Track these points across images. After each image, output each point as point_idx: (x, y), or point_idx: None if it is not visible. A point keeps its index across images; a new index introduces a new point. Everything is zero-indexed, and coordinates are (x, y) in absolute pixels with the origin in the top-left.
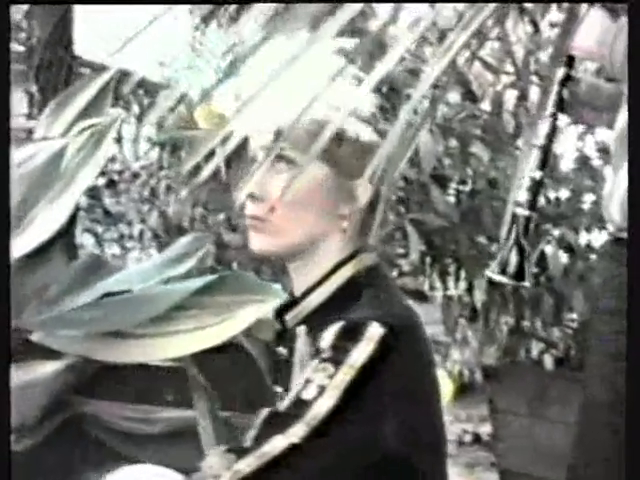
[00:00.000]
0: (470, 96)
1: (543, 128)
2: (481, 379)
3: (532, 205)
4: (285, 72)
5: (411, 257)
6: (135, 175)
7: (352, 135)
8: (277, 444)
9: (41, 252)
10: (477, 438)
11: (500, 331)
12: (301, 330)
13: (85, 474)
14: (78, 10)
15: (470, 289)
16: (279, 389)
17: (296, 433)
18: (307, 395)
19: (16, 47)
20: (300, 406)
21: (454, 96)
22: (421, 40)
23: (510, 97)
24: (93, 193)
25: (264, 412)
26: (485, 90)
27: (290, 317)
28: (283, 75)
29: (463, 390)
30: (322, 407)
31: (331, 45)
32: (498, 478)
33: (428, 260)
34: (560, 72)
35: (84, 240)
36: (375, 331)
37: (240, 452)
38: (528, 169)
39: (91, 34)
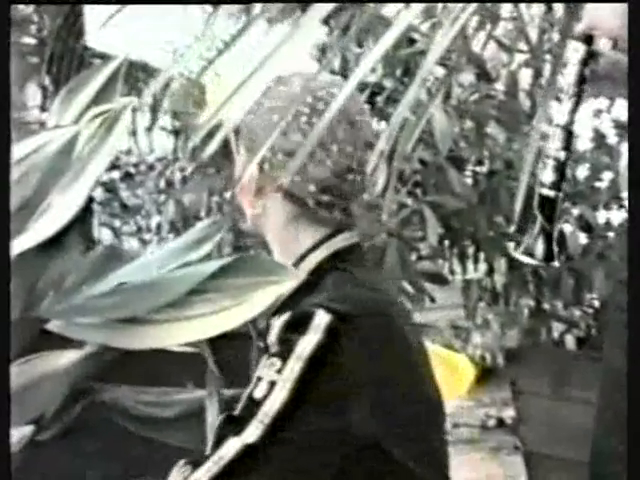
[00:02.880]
0: (485, 76)
1: (565, 108)
2: (503, 362)
3: (558, 186)
4: (266, 59)
5: (429, 240)
6: (151, 167)
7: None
8: (232, 447)
9: (57, 242)
10: (501, 422)
11: (521, 313)
12: (275, 322)
13: (108, 462)
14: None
15: (490, 271)
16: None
17: (252, 433)
18: (258, 394)
19: (28, 40)
20: (252, 405)
21: (468, 77)
22: (434, 23)
23: (525, 76)
24: (109, 186)
25: (219, 418)
26: (499, 70)
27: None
28: (263, 62)
29: (486, 374)
30: (274, 403)
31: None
32: (522, 461)
33: (447, 243)
34: (580, 51)
35: (102, 234)
36: (321, 319)
37: (197, 462)
38: (552, 149)
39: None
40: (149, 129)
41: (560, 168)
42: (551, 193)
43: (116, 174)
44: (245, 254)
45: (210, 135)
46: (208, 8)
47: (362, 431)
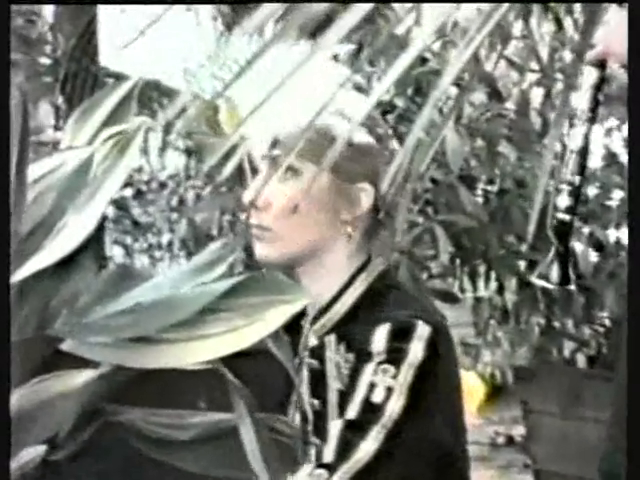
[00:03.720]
0: (496, 95)
1: (579, 132)
2: (513, 380)
3: (573, 210)
4: (284, 80)
5: (441, 259)
6: (162, 185)
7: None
8: (364, 452)
9: (70, 260)
10: (510, 440)
11: (531, 331)
12: (330, 339)
13: None
14: (102, 21)
15: (500, 290)
16: (315, 401)
17: (376, 437)
18: (377, 398)
19: (42, 60)
20: (372, 410)
21: (480, 96)
22: (446, 42)
23: (536, 95)
24: (121, 204)
25: (337, 424)
26: (511, 89)
27: (317, 327)
28: (282, 83)
29: (495, 392)
30: (395, 408)
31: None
32: (533, 479)
33: (457, 261)
34: (593, 76)
35: (114, 252)
36: (423, 330)
37: (329, 467)
38: (567, 173)
39: (116, 44)
40: (162, 149)
41: (575, 192)
42: (566, 217)
43: (128, 192)
44: (257, 273)
45: (226, 157)
46: (220, 26)
47: (441, 438)
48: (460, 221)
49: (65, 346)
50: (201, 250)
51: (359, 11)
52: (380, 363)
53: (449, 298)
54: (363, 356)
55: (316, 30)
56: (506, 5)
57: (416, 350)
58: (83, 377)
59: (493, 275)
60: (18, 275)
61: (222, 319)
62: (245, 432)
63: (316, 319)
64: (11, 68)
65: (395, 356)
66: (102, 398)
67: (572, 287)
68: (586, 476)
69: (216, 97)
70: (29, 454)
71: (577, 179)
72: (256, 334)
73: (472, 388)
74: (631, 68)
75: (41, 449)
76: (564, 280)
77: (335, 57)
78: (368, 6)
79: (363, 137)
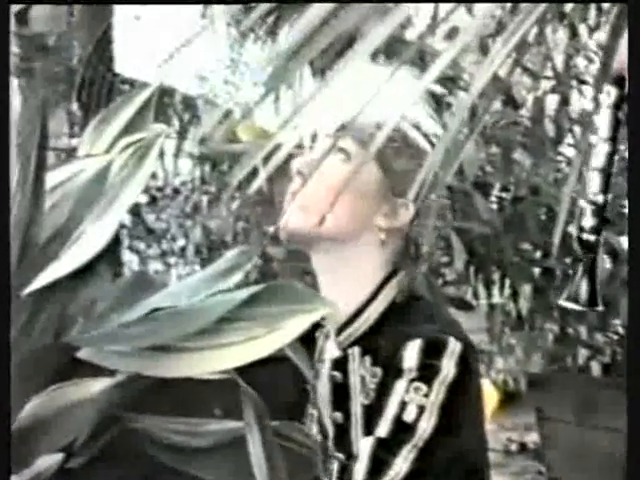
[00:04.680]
0: (511, 103)
1: (601, 151)
2: (526, 387)
3: (598, 230)
4: (331, 81)
5: (456, 266)
6: (176, 191)
7: (413, 142)
8: (396, 471)
9: (87, 269)
10: (523, 447)
11: (545, 338)
12: (355, 352)
13: None
14: (117, 28)
15: (514, 297)
16: (338, 415)
17: (407, 457)
18: (408, 417)
19: (57, 68)
20: (404, 429)
21: (495, 103)
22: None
23: (551, 102)
24: (135, 210)
25: (368, 442)
26: (525, 96)
27: (342, 339)
28: (330, 83)
29: (508, 399)
30: (427, 427)
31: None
32: None
33: (472, 268)
34: (612, 95)
35: (127, 258)
36: (454, 346)
37: None
38: (590, 193)
39: (131, 52)
40: (176, 155)
41: (599, 212)
42: (591, 237)
43: (142, 198)
44: (277, 282)
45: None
46: (234, 32)
47: (470, 454)
48: (475, 228)
49: (82, 354)
50: (215, 256)
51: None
52: (412, 381)
53: (463, 305)
54: (392, 372)
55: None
56: (530, 21)
57: (448, 367)
58: (100, 385)
59: (507, 282)
60: (35, 284)
61: (240, 328)
62: (252, 440)
63: (340, 330)
64: (28, 76)
65: (427, 373)
66: (119, 406)
67: (600, 308)
68: None
69: (245, 114)
70: (46, 462)
71: (601, 198)
72: (275, 343)
73: (485, 395)
74: (631, 68)
75: (58, 457)
76: (592, 301)
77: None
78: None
79: (423, 142)
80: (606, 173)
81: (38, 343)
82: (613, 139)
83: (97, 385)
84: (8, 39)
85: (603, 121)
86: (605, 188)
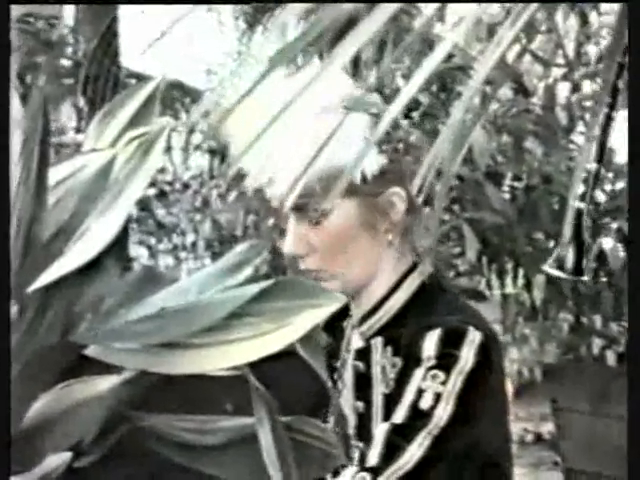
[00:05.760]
0: (522, 91)
1: (598, 120)
2: (540, 377)
3: (588, 197)
4: (292, 107)
5: (468, 256)
6: (186, 185)
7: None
8: (409, 457)
9: (94, 265)
10: (539, 437)
11: (560, 328)
12: (377, 342)
13: None
14: (123, 22)
15: (528, 287)
16: (360, 404)
17: (422, 444)
18: (424, 404)
19: (63, 62)
20: (420, 416)
21: (506, 91)
22: (469, 36)
23: (562, 90)
24: (144, 205)
25: (383, 427)
26: (536, 84)
27: (364, 329)
28: (289, 113)
29: (523, 389)
30: (443, 415)
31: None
32: (562, 477)
33: (485, 259)
34: (614, 64)
35: (138, 252)
36: (474, 336)
37: (373, 471)
38: (584, 162)
39: (137, 45)
40: (184, 149)
41: (591, 180)
42: (581, 205)
43: (151, 192)
44: (286, 277)
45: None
46: (242, 25)
47: (487, 445)
48: (487, 218)
49: (89, 352)
50: (226, 250)
51: (380, 16)
52: (429, 369)
53: (476, 296)
54: (412, 361)
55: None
56: (534, 5)
57: (467, 357)
58: (108, 383)
59: (521, 272)
60: (41, 281)
61: (249, 324)
62: (263, 436)
63: (363, 321)
64: (32, 70)
65: (445, 362)
66: (127, 404)
67: (585, 278)
68: (615, 474)
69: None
70: (54, 461)
71: (594, 167)
72: (284, 339)
73: None
74: (631, 68)
75: (66, 456)
76: (577, 270)
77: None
78: (390, 9)
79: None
80: (601, 141)
81: (45, 341)
82: (610, 107)
83: (105, 383)
84: (8, 39)
85: (602, 90)
86: (599, 157)
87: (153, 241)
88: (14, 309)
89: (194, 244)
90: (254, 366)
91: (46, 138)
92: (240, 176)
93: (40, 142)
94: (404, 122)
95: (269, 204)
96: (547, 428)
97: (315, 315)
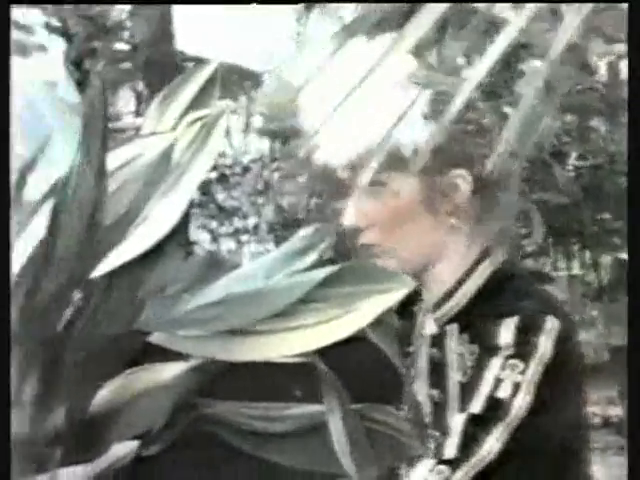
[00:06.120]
0: (585, 68)
1: None
2: (608, 360)
3: None
4: (362, 80)
5: (534, 238)
6: (246, 168)
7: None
8: (488, 449)
9: (157, 250)
10: (607, 421)
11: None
12: (453, 329)
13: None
14: (178, 6)
15: (595, 268)
16: (435, 392)
17: (500, 435)
18: (503, 394)
19: (120, 46)
20: (497, 406)
21: (569, 69)
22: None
23: (625, 66)
24: (205, 189)
25: (460, 418)
26: (599, 61)
27: (439, 315)
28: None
29: (590, 372)
30: (522, 405)
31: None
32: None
33: (551, 240)
34: None
35: (199, 237)
36: (552, 324)
37: (451, 463)
38: None
39: (192, 29)
40: (244, 131)
41: None
42: None
43: (212, 176)
44: (352, 262)
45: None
46: (299, 8)
47: (565, 435)
48: (553, 199)
49: (154, 339)
50: (289, 234)
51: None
52: (508, 358)
53: (543, 277)
54: (489, 349)
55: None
56: None
57: (545, 345)
58: (173, 370)
59: (587, 253)
60: (103, 268)
61: (316, 309)
62: (334, 424)
63: (436, 307)
64: (89, 56)
65: (524, 351)
66: (193, 391)
67: None
68: None
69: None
70: (120, 450)
71: None
72: (351, 325)
73: None
74: (631, 68)
75: (133, 444)
76: None
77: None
78: None
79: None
80: None
81: (108, 329)
82: None
83: (170, 370)
84: (8, 39)
85: None
86: None
87: (214, 225)
88: (77, 296)
89: (256, 227)
90: (323, 352)
91: (105, 123)
92: (308, 155)
93: (99, 127)
94: (474, 103)
95: (335, 184)
96: (615, 412)
97: (384, 300)
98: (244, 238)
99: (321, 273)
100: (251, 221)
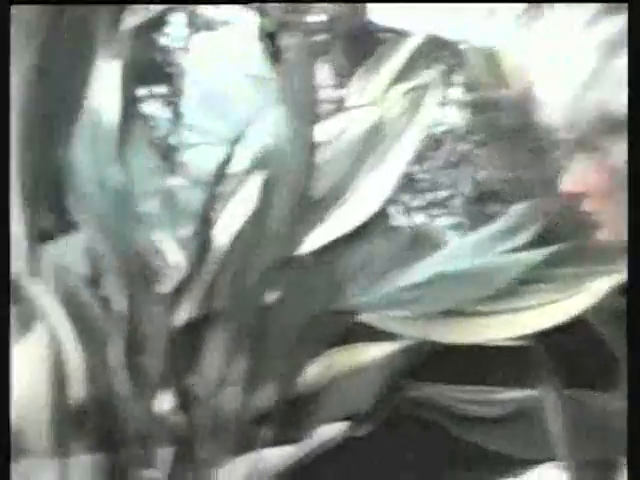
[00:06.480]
0: None
1: None
2: None
3: None
4: None
5: None
6: (437, 141)
7: None
8: None
9: (361, 227)
10: None
11: None
12: None
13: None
14: None
15: None
16: None
17: None
18: None
19: (315, 18)
20: None
21: None
22: None
23: None
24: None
25: None
26: None
27: None
28: None
29: None
30: None
31: None
32: None
33: None
34: None
35: (390, 210)
36: None
37: None
38: None
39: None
40: (442, 103)
41: None
42: None
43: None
44: (570, 243)
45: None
46: None
47: None
48: None
49: (363, 318)
50: (483, 207)
51: None
52: None
53: None
54: None
55: None
56: None
57: None
58: (382, 350)
59: None
60: (309, 245)
61: (538, 291)
62: (549, 410)
63: None
64: (281, 30)
65: None
66: (402, 373)
67: None
68: None
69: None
70: (328, 431)
71: None
72: (576, 307)
73: None
74: (631, 68)
75: (342, 425)
76: None
77: None
78: None
79: None
80: None
81: (312, 308)
82: None
83: (379, 350)
84: (8, 39)
85: None
86: None
87: (406, 198)
88: (286, 273)
89: (447, 200)
90: (539, 335)
91: (313, 95)
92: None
93: (307, 100)
94: None
95: (557, 146)
96: None
97: (610, 281)
98: (436, 212)
99: (540, 253)
100: (443, 194)
